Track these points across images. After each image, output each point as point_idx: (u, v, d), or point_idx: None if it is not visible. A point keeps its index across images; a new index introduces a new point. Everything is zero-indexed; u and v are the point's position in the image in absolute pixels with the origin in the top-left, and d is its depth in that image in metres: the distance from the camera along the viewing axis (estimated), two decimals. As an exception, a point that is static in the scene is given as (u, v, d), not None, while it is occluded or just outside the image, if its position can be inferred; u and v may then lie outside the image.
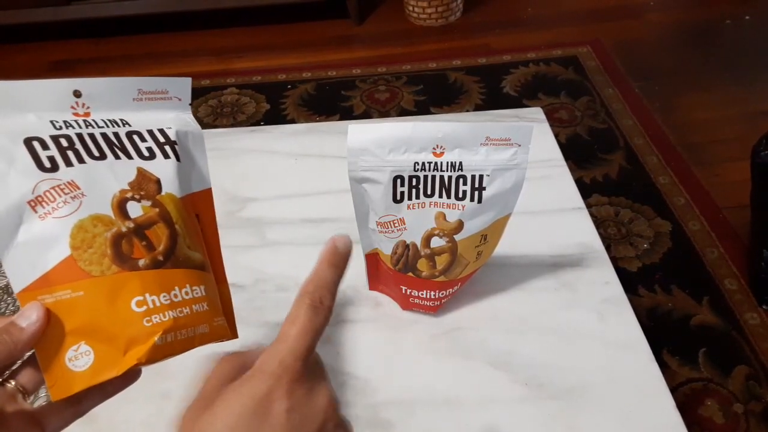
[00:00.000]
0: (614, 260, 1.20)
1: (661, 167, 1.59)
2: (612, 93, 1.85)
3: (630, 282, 1.30)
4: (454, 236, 0.47)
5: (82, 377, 0.30)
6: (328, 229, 0.62)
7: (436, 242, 0.48)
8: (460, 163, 0.45)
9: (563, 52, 2.05)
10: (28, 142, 0.32)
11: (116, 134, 0.35)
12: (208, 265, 0.36)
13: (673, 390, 1.12)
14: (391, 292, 0.54)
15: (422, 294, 0.51)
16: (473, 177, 0.46)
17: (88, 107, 0.35)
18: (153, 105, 0.37)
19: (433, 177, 0.46)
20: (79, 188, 0.32)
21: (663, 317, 1.24)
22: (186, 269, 0.33)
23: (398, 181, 0.46)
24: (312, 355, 0.29)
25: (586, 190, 1.52)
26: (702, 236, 1.40)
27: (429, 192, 0.47)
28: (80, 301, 0.30)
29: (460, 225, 0.47)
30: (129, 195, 0.33)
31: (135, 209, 0.33)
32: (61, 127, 0.33)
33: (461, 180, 0.46)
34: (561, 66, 1.99)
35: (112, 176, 0.33)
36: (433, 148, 0.45)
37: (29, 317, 0.30)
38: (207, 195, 0.38)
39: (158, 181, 0.34)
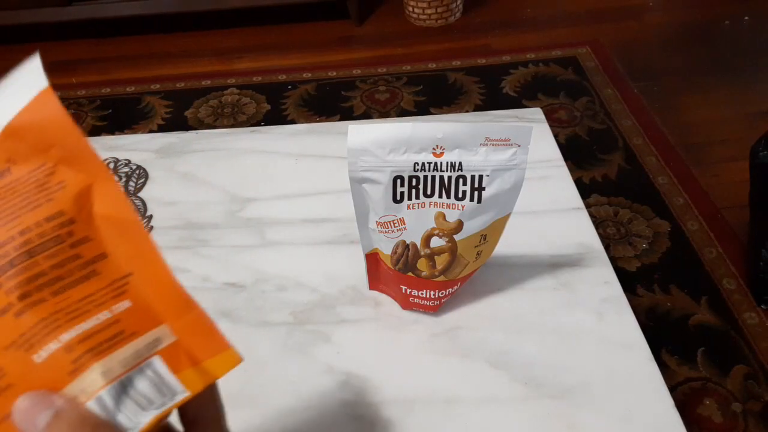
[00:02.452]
0: (613, 260, 1.20)
1: (660, 167, 1.59)
2: (611, 93, 1.86)
3: (629, 282, 1.31)
4: (454, 236, 0.48)
5: None
6: (328, 229, 0.62)
7: (436, 242, 0.48)
8: (460, 163, 0.46)
9: (562, 53, 2.05)
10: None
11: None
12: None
13: (672, 389, 1.13)
14: (391, 291, 0.55)
15: (422, 294, 0.51)
16: (473, 177, 0.46)
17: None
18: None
19: (433, 177, 0.46)
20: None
21: (662, 317, 1.25)
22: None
23: (398, 181, 0.46)
24: None
25: (585, 190, 1.53)
26: (701, 236, 1.41)
27: (429, 192, 0.47)
28: None
29: (459, 225, 0.47)
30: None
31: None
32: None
33: (461, 180, 0.46)
34: (560, 66, 1.99)
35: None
36: (433, 149, 0.46)
37: None
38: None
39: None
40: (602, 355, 0.50)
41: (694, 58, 1.99)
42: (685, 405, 1.11)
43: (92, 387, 0.24)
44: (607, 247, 0.86)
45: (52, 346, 0.24)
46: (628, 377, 0.48)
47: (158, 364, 0.25)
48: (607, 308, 0.53)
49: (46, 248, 0.25)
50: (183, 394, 0.25)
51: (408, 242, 0.49)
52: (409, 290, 0.52)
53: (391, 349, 0.52)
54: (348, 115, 1.83)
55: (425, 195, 0.47)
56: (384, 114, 1.84)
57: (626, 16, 2.24)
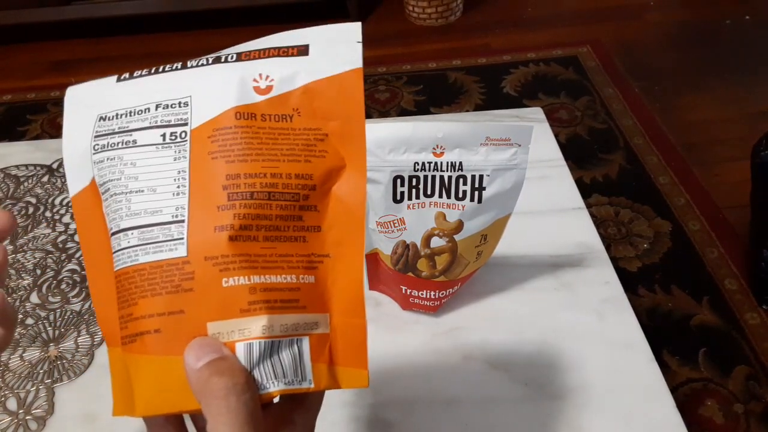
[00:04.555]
0: (614, 260, 1.20)
1: (661, 167, 1.59)
2: (612, 93, 1.86)
3: (630, 282, 1.30)
4: (454, 236, 0.47)
5: None
6: (328, 229, 0.62)
7: (436, 242, 0.48)
8: (460, 163, 0.46)
9: (563, 52, 2.05)
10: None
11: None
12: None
13: (673, 390, 1.12)
14: (391, 292, 0.54)
15: (422, 294, 0.51)
16: (473, 177, 0.46)
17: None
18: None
19: (433, 177, 0.46)
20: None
21: (663, 317, 1.24)
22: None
23: (398, 181, 0.46)
24: None
25: (586, 190, 1.52)
26: (702, 236, 1.40)
27: (429, 192, 0.47)
28: None
29: (460, 225, 0.47)
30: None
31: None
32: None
33: (461, 180, 0.46)
34: (561, 66, 1.99)
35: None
36: (433, 148, 0.45)
37: None
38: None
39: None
40: (603, 355, 0.50)
41: (695, 58, 1.99)
42: (686, 406, 1.11)
43: (250, 333, 0.25)
44: (608, 247, 0.86)
45: (241, 280, 0.26)
46: (629, 378, 0.48)
47: (305, 344, 0.26)
48: (607, 308, 0.53)
49: (282, 198, 0.27)
50: (308, 384, 0.26)
51: (408, 242, 0.48)
52: (409, 290, 0.51)
53: (391, 349, 0.51)
54: (348, 114, 1.82)
55: (425, 195, 0.47)
56: (384, 113, 1.84)
57: (627, 16, 2.24)
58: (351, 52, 0.28)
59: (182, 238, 0.26)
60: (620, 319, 0.52)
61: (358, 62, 0.28)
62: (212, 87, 0.28)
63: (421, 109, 1.85)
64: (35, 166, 0.73)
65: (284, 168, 0.27)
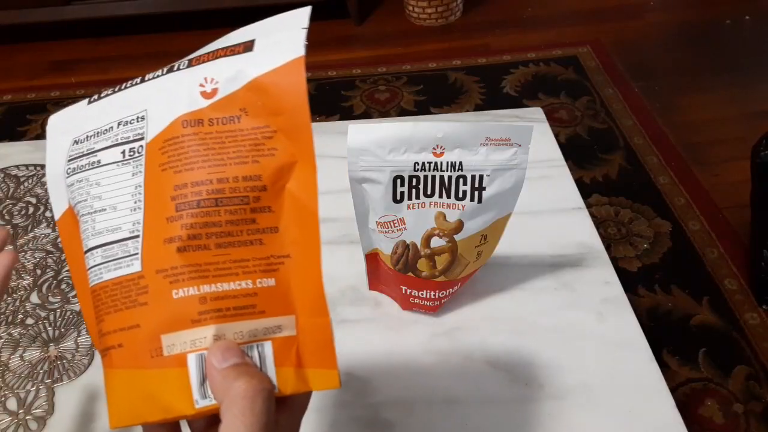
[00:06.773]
0: (614, 260, 1.20)
1: (661, 167, 1.59)
2: (612, 93, 1.85)
3: (630, 282, 1.30)
4: (454, 236, 0.47)
5: None
6: (328, 229, 0.62)
7: (436, 242, 0.48)
8: (460, 163, 0.46)
9: (563, 52, 2.05)
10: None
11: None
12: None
13: (673, 390, 1.12)
14: (391, 292, 0.54)
15: (422, 294, 0.51)
16: (473, 177, 0.46)
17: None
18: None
19: (433, 177, 0.46)
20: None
21: (663, 317, 1.24)
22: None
23: (398, 181, 0.46)
24: None
25: (586, 190, 1.52)
26: (702, 236, 1.40)
27: (429, 192, 0.47)
28: None
29: (460, 225, 0.47)
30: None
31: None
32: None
33: (461, 180, 0.46)
34: (561, 66, 1.99)
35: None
36: (433, 148, 0.45)
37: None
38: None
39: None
40: (603, 355, 0.50)
41: (695, 58, 1.99)
42: (686, 406, 1.11)
43: (201, 343, 0.25)
44: (607, 247, 0.86)
45: (191, 291, 0.25)
46: (629, 378, 0.48)
47: (268, 349, 0.26)
48: (607, 308, 0.53)
49: (231, 203, 0.26)
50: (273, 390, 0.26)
51: (408, 242, 0.48)
52: (409, 290, 0.51)
53: (391, 349, 0.51)
54: (348, 114, 1.82)
55: (425, 195, 0.47)
56: (384, 113, 1.84)
57: (627, 16, 2.24)
58: (293, 40, 0.27)
59: (137, 254, 0.26)
60: (620, 319, 0.52)
61: (299, 50, 0.26)
62: (163, 97, 0.28)
63: (421, 109, 1.85)
64: (35, 166, 0.73)
65: (231, 172, 0.26)
